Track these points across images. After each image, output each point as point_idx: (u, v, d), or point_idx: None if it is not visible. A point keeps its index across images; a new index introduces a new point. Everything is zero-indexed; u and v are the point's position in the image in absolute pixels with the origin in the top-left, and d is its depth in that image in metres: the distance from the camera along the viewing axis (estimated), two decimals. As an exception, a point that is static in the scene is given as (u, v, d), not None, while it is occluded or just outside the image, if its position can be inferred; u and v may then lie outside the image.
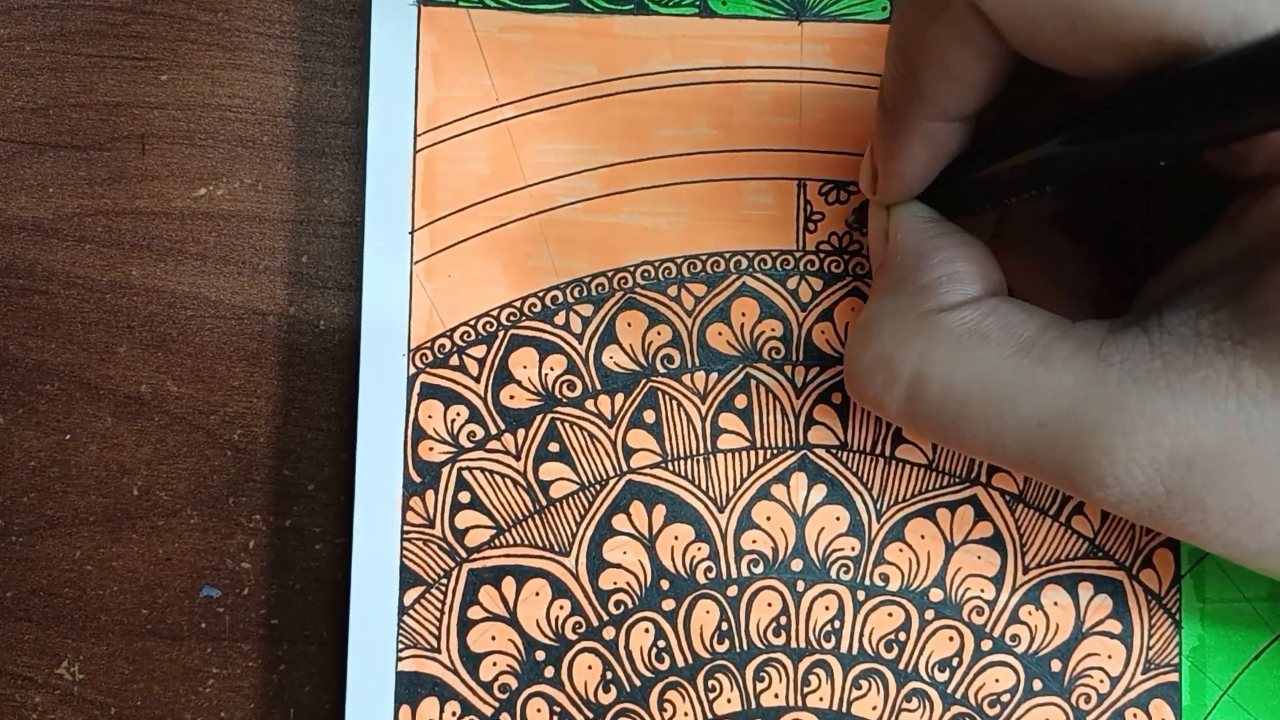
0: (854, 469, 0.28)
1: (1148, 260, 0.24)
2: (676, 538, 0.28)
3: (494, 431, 0.28)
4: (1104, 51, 0.19)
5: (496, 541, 0.27)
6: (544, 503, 0.28)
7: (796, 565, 0.27)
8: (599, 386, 0.28)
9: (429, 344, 0.28)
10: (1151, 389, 0.20)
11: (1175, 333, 0.20)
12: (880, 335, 0.23)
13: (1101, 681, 0.27)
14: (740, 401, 0.28)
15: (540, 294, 0.28)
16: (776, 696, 0.27)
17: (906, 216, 0.24)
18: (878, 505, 0.28)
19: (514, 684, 0.27)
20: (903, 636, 0.27)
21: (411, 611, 0.27)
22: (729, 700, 0.27)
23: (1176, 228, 0.24)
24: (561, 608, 0.27)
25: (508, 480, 0.28)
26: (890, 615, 0.27)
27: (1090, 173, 0.20)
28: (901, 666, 0.27)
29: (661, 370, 0.28)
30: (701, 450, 0.28)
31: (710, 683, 0.27)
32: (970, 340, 0.22)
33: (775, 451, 0.28)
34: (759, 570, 0.27)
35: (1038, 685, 0.27)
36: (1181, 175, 0.24)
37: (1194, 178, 0.23)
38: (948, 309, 0.22)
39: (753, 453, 0.28)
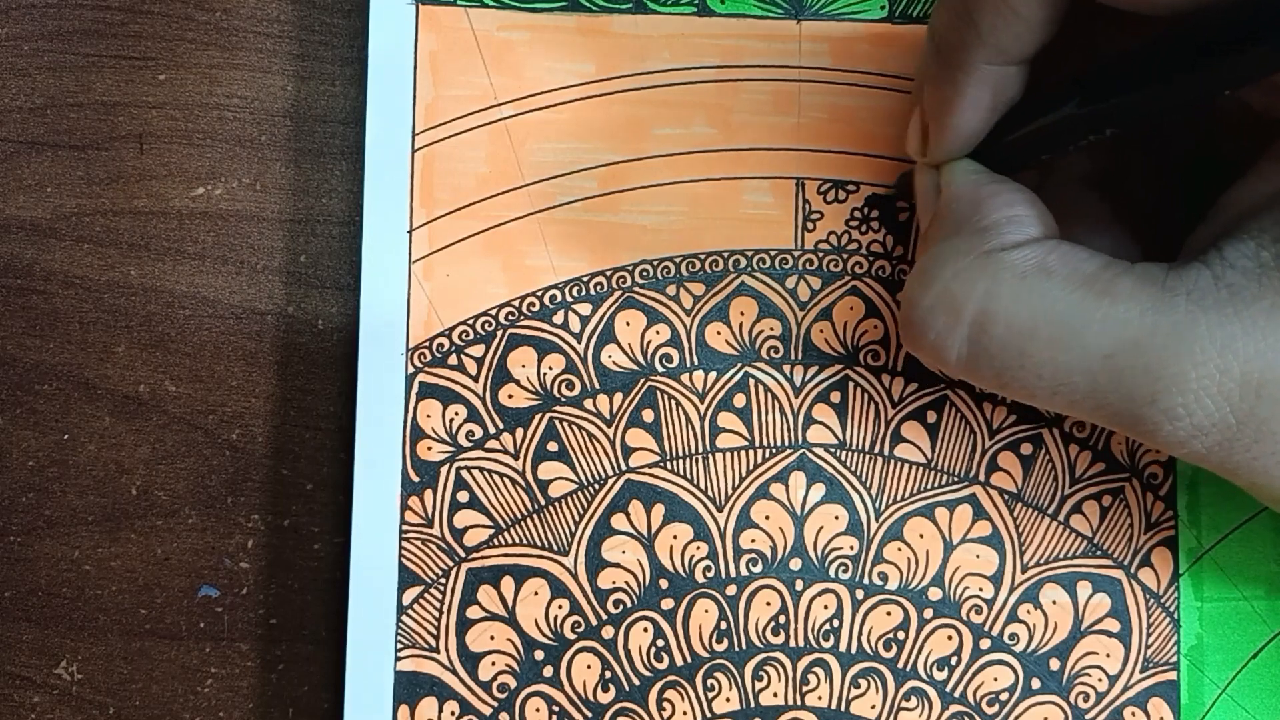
0: (853, 468, 0.28)
1: (1182, 217, 0.25)
2: (675, 537, 0.28)
3: (492, 431, 0.28)
4: None
5: (495, 541, 0.27)
6: (542, 502, 0.28)
7: (795, 564, 0.27)
8: (597, 386, 0.28)
9: (427, 343, 0.28)
10: (1220, 316, 0.20)
11: (1237, 265, 0.20)
12: (942, 276, 0.23)
13: (1100, 680, 0.27)
14: (739, 400, 0.28)
15: (539, 293, 0.28)
16: (775, 696, 0.27)
17: (959, 167, 0.24)
18: (876, 504, 0.28)
19: (513, 683, 0.27)
20: (901, 635, 0.27)
21: (410, 611, 0.27)
22: (728, 699, 0.27)
23: (1208, 183, 0.24)
24: (560, 607, 0.27)
25: (506, 480, 0.28)
26: (889, 614, 0.27)
27: (1153, 108, 0.20)
28: (900, 665, 0.27)
29: (660, 369, 0.28)
30: (700, 449, 0.28)
31: (709, 682, 0.27)
32: (1034, 276, 0.22)
33: (774, 450, 0.28)
34: (758, 569, 0.27)
35: (1036, 684, 0.27)
36: (1210, 128, 0.24)
37: (1219, 130, 0.23)
38: (1010, 248, 0.22)
39: (751, 452, 0.28)
